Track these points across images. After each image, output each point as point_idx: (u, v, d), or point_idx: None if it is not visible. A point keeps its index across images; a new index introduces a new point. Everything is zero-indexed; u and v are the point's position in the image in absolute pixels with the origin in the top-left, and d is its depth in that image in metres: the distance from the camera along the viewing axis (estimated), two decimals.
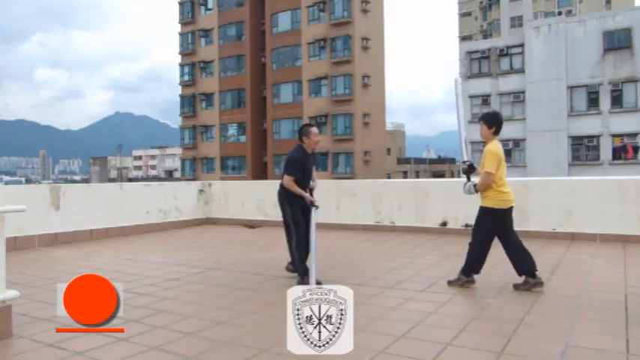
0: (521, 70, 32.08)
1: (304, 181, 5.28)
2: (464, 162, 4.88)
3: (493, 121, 4.78)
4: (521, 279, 4.71)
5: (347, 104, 42.77)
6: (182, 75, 52.21)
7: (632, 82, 28.88)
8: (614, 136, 29.41)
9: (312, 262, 4.71)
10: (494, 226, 4.76)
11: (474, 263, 4.83)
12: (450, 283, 4.91)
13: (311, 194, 5.32)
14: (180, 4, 52.36)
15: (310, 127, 5.44)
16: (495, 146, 4.72)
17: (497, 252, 6.83)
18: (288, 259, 5.43)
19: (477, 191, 4.76)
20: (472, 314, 3.90)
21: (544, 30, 31.27)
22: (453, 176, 55.17)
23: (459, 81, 5.49)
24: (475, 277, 4.90)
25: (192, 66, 51.00)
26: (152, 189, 11.16)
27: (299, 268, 5.18)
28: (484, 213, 4.79)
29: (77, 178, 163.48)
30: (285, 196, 5.32)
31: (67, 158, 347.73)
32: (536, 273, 4.63)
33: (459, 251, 6.95)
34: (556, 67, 30.50)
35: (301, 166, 5.22)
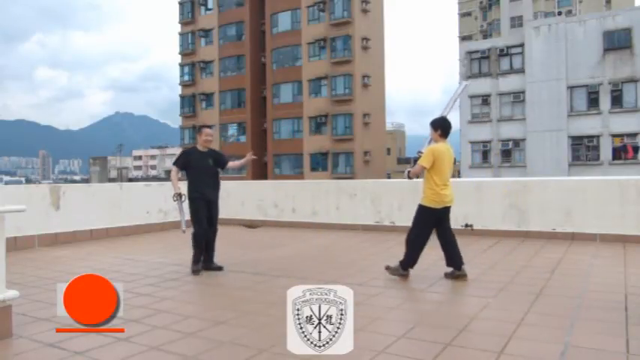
0: (521, 70, 32.08)
1: (200, 176, 5.85)
2: (418, 152, 5.28)
3: (437, 125, 5.15)
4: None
5: (347, 104, 42.76)
6: (182, 75, 52.20)
7: (632, 82, 28.88)
8: (614, 136, 29.40)
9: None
10: (428, 223, 5.12)
11: (412, 257, 5.17)
12: (387, 267, 5.28)
13: (210, 190, 5.93)
14: (180, 4, 52.35)
15: (203, 127, 6.15)
16: (437, 146, 5.06)
17: (495, 253, 6.84)
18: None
19: (409, 177, 5.16)
20: (472, 314, 3.90)
21: (544, 30, 31.27)
22: (453, 176, 55.18)
23: (466, 86, 6.08)
24: (473, 277, 4.91)
25: (192, 66, 50.99)
26: (152, 189, 11.15)
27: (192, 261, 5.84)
28: (420, 210, 5.14)
29: (77, 178, 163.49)
30: (187, 192, 5.88)
31: (67, 158, 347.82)
32: (463, 267, 5.12)
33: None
34: (556, 67, 30.50)
35: (186, 161, 5.88)
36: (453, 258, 5.13)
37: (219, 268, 5.88)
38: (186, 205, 5.85)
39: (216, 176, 6.05)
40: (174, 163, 5.99)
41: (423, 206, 5.09)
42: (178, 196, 5.78)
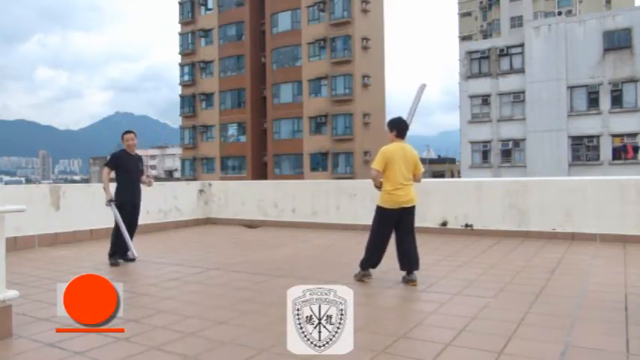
0: (521, 70, 32.08)
1: (130, 178, 6.50)
2: None
3: (393, 126, 5.15)
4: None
5: (347, 104, 42.75)
6: (182, 75, 52.18)
7: (632, 82, 28.88)
8: (614, 136, 29.41)
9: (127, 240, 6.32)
10: (385, 223, 5.07)
11: (369, 257, 5.13)
12: (355, 276, 5.20)
13: (138, 192, 6.64)
14: (180, 4, 52.34)
15: (127, 133, 6.64)
16: (388, 147, 5.03)
17: (495, 253, 6.84)
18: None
19: (376, 187, 5.11)
20: (472, 314, 3.90)
21: (544, 30, 31.27)
22: (453, 176, 55.17)
23: (424, 86, 6.14)
24: (473, 277, 4.90)
25: (192, 66, 50.98)
26: (152, 189, 11.12)
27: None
28: (376, 210, 5.14)
29: (77, 178, 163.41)
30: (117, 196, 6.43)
31: (67, 158, 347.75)
32: (414, 272, 5.01)
33: (459, 251, 6.97)
34: (556, 67, 30.50)
35: (116, 163, 6.43)
36: (405, 262, 5.01)
37: (133, 259, 6.48)
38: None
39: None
40: (105, 164, 6.54)
41: (379, 207, 5.07)
42: (111, 203, 6.33)
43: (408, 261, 5.00)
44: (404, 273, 5.06)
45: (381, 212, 5.06)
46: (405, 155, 4.99)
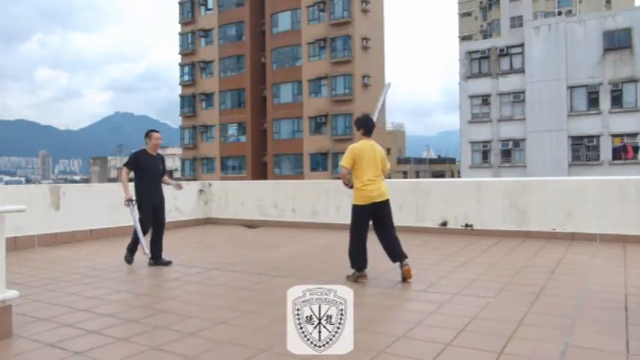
0: (521, 70, 32.09)
1: (149, 179, 6.20)
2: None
3: (360, 124, 5.24)
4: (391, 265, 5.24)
5: (347, 104, 42.76)
6: (182, 75, 52.20)
7: (632, 82, 28.89)
8: (614, 136, 29.41)
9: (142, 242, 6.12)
10: (360, 220, 5.11)
11: (353, 256, 5.16)
12: (347, 277, 5.19)
13: (158, 193, 6.30)
14: (180, 4, 52.36)
15: (154, 131, 6.41)
16: (356, 145, 5.12)
17: (495, 253, 6.84)
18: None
19: (346, 185, 5.20)
20: (472, 314, 3.90)
21: (544, 30, 31.27)
22: (453, 176, 55.16)
23: (389, 85, 6.46)
24: (473, 277, 4.89)
25: (192, 66, 51.00)
26: None
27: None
28: (352, 209, 5.18)
29: (77, 178, 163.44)
30: (136, 197, 6.20)
31: (67, 158, 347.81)
32: (406, 259, 5.04)
33: (459, 251, 6.97)
34: (556, 67, 30.51)
35: (136, 163, 6.16)
36: (393, 253, 5.08)
37: (168, 263, 6.25)
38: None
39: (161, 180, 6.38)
40: (124, 165, 6.27)
41: (353, 205, 5.14)
42: (131, 204, 6.09)
43: (396, 252, 5.07)
44: (401, 271, 5.07)
45: (355, 210, 5.13)
46: (373, 152, 5.10)
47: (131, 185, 6.25)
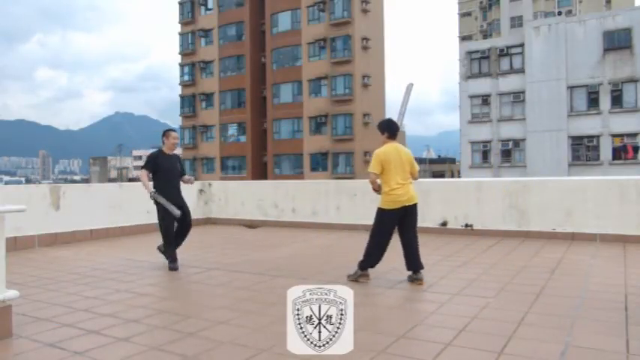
0: (521, 70, 32.09)
1: (167, 179, 6.06)
2: None
3: (384, 128, 5.19)
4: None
5: (347, 104, 42.76)
6: (182, 75, 52.20)
7: (632, 82, 28.88)
8: (614, 136, 29.41)
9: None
10: (386, 224, 5.06)
11: (369, 258, 5.11)
12: (348, 276, 5.18)
13: (177, 194, 6.15)
14: (180, 4, 52.35)
15: (170, 130, 6.31)
16: (382, 149, 5.06)
17: (495, 253, 6.84)
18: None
19: (375, 190, 5.11)
20: (472, 314, 3.90)
21: (544, 30, 31.27)
22: (453, 176, 55.15)
23: (411, 86, 6.24)
24: (473, 277, 4.89)
25: (192, 66, 51.00)
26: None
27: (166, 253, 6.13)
28: (377, 212, 5.13)
29: (77, 178, 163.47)
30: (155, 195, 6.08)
31: (67, 158, 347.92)
32: (420, 271, 5.01)
33: (459, 251, 6.97)
34: (556, 67, 30.51)
35: (154, 165, 6.03)
36: (411, 261, 5.03)
37: (173, 267, 6.04)
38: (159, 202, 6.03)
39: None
40: (143, 167, 6.16)
41: (380, 208, 5.08)
42: (154, 193, 5.96)
43: (415, 260, 5.02)
44: (409, 272, 5.07)
45: (381, 214, 5.06)
46: (399, 155, 5.03)
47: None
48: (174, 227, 6.12)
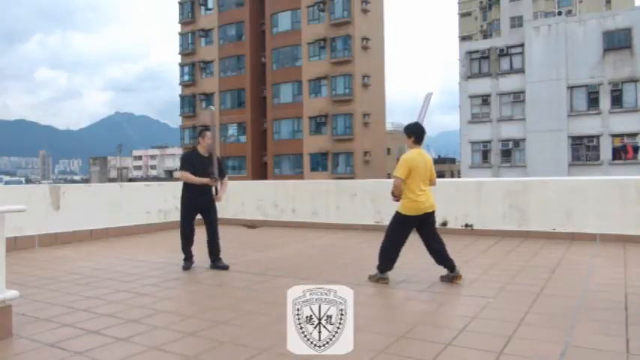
0: (521, 70, 32.08)
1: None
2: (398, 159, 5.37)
3: (411, 132, 5.11)
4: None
5: (347, 104, 42.76)
6: (182, 75, 52.21)
7: (632, 82, 28.88)
8: (614, 136, 29.41)
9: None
10: (405, 228, 5.05)
11: (386, 261, 5.11)
12: (370, 277, 5.18)
13: (216, 192, 6.06)
14: (180, 4, 52.35)
15: (206, 130, 6.03)
16: (409, 154, 5.01)
17: (495, 253, 6.84)
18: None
19: (395, 196, 5.02)
20: (472, 314, 3.90)
21: (544, 30, 31.27)
22: (453, 176, 55.16)
23: (430, 95, 5.95)
24: (473, 277, 4.90)
25: (192, 66, 51.00)
26: (152, 189, 11.15)
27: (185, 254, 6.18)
28: (397, 217, 5.09)
29: (77, 178, 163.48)
30: (181, 196, 6.12)
31: (67, 158, 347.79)
32: (456, 268, 5.04)
33: (459, 251, 6.96)
34: (556, 67, 30.51)
35: (190, 164, 5.88)
36: (444, 262, 5.05)
37: (225, 267, 6.00)
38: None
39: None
40: (181, 169, 5.94)
41: (400, 214, 5.03)
42: (212, 180, 5.84)
43: (446, 259, 5.03)
44: (444, 273, 5.08)
45: (401, 218, 5.02)
46: (424, 161, 5.02)
47: (176, 185, 5.98)
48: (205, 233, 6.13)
